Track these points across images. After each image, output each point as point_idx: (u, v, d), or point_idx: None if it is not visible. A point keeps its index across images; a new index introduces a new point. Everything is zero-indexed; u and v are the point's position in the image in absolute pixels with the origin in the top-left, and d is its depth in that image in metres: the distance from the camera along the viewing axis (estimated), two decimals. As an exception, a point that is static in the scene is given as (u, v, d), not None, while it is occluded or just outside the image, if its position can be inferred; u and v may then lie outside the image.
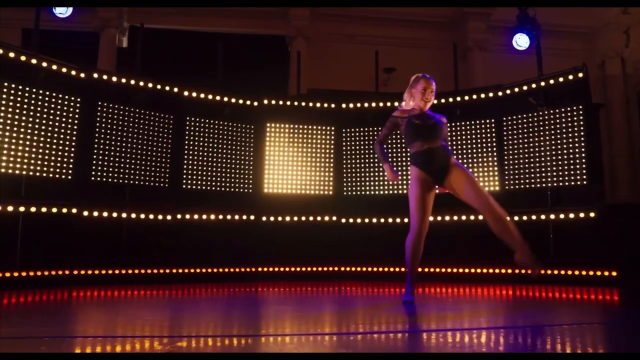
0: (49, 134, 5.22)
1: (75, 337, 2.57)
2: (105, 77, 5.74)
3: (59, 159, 5.28)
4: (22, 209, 4.91)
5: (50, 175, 5.21)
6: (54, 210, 5.15)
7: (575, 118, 5.67)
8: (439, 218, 6.09)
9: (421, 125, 3.79)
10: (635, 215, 8.82)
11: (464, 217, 6.01)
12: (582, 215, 5.45)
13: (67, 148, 5.34)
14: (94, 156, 5.53)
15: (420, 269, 6.01)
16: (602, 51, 9.90)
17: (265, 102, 6.53)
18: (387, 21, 8.94)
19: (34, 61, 5.17)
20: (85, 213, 5.37)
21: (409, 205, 3.83)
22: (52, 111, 5.26)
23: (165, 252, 5.76)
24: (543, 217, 5.66)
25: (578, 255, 5.41)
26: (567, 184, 5.65)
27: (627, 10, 9.75)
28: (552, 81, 5.83)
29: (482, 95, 6.28)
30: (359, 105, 6.68)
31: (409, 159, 4.08)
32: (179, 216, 5.89)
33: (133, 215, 5.64)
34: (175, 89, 6.12)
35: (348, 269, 6.31)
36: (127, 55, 8.13)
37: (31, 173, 5.06)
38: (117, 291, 4.78)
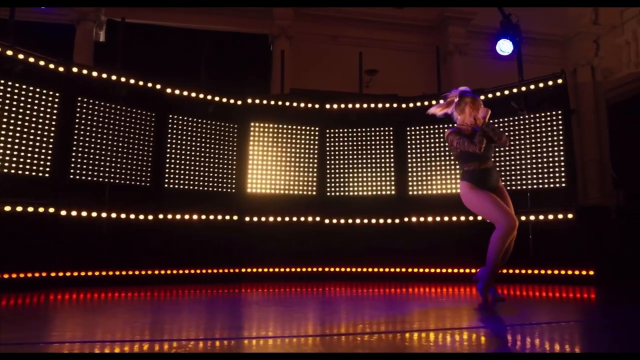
0: (25, 130, 5.01)
1: (51, 342, 2.46)
2: (85, 71, 5.56)
3: (36, 156, 5.08)
4: (-4, 207, 4.70)
5: (27, 172, 5.00)
6: (30, 209, 4.95)
7: (554, 123, 5.82)
8: (430, 219, 6.16)
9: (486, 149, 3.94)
10: (604, 216, 9.15)
11: (454, 219, 6.09)
12: (560, 216, 5.60)
13: (44, 145, 5.14)
14: (73, 154, 5.35)
15: (404, 269, 6.15)
16: (574, 59, 10.23)
17: (250, 101, 6.46)
18: (370, 23, 8.99)
19: (9, 53, 4.97)
20: (64, 213, 5.18)
21: (484, 215, 4.03)
22: (28, 106, 5.06)
23: (146, 253, 5.62)
24: (523, 218, 5.78)
25: (557, 255, 5.56)
26: (546, 186, 5.80)
27: (598, 21, 10.11)
28: (532, 86, 5.98)
29: (465, 99, 6.36)
30: (342, 106, 6.69)
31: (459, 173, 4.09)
32: (160, 216, 5.76)
33: (113, 215, 5.48)
34: (158, 86, 5.99)
35: (331, 269, 6.30)
36: (105, 50, 7.89)
37: (6, 170, 4.85)
38: (97, 294, 4.63)
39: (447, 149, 6.40)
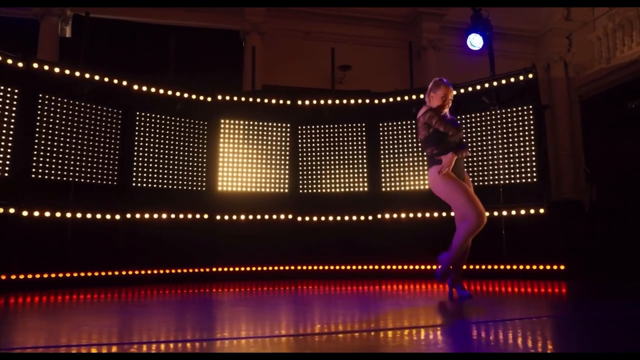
0: (-17, 128, 4.82)
1: (12, 348, 2.34)
2: (46, 67, 5.38)
3: (-6, 154, 4.89)
4: (-49, 208, 4.52)
5: (-16, 172, 4.82)
6: (-11, 210, 4.77)
7: (525, 118, 5.83)
8: (403, 215, 6.13)
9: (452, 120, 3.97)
10: (577, 211, 9.27)
11: (427, 215, 6.07)
12: (532, 211, 5.62)
13: (2, 143, 4.96)
14: (35, 152, 5.17)
15: (377, 266, 6.11)
16: (547, 55, 10.32)
17: (220, 97, 6.34)
18: (344, 19, 8.93)
19: (-36, 48, 4.77)
20: (25, 213, 5.01)
21: (453, 205, 3.89)
22: (-15, 103, 4.87)
23: (113, 253, 5.47)
24: (495, 213, 5.79)
25: (529, 250, 5.58)
26: (518, 181, 5.81)
27: (570, 17, 10.20)
28: (504, 81, 5.98)
29: (437, 94, 6.34)
30: (314, 102, 6.61)
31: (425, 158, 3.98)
32: (128, 215, 5.62)
33: (78, 215, 5.32)
34: (124, 82, 5.83)
35: (304, 267, 6.23)
36: (71, 46, 7.67)
37: (-38, 170, 4.66)
38: (61, 296, 4.48)
39: (420, 143, 6.35)
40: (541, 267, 5.47)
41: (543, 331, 2.62)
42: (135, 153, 5.81)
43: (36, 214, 5.09)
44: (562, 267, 5.36)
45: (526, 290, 4.63)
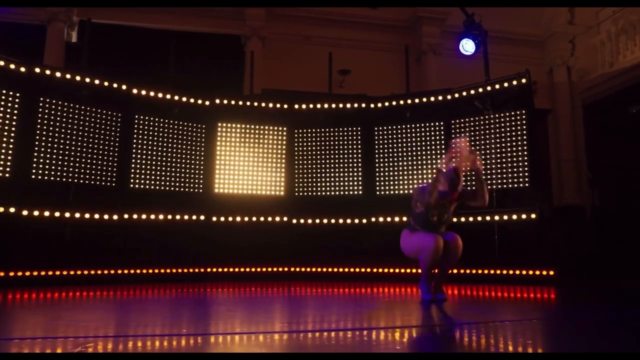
0: (-15, 130, 5.00)
1: (11, 338, 2.44)
2: (48, 72, 5.55)
3: (-4, 156, 5.06)
4: (-46, 208, 4.69)
5: (-14, 173, 4.99)
6: (-10, 209, 4.93)
7: (518, 122, 5.85)
8: (397, 219, 6.14)
9: (441, 214, 3.93)
10: (579, 216, 9.21)
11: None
12: (524, 216, 5.63)
13: (4, 145, 5.13)
14: (35, 154, 5.34)
15: (371, 269, 6.16)
16: (550, 59, 10.26)
17: (217, 101, 6.46)
18: (343, 23, 9.00)
19: (-32, 53, 4.95)
20: (25, 212, 5.17)
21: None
22: (-12, 106, 5.04)
23: (111, 252, 5.61)
24: (488, 218, 5.82)
25: (520, 256, 5.59)
26: (511, 186, 5.83)
27: (573, 21, 10.15)
28: (497, 86, 6.01)
29: (432, 99, 6.41)
30: (311, 106, 6.70)
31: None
32: (126, 216, 5.75)
33: (77, 215, 5.47)
34: (124, 87, 5.98)
35: (298, 269, 6.31)
36: (77, 51, 7.86)
37: (-35, 170, 4.83)
38: (59, 293, 4.62)
39: (413, 147, 6.39)
40: (531, 272, 5.47)
41: (530, 334, 2.66)
42: (134, 155, 5.95)
43: (36, 213, 5.24)
44: (551, 273, 5.37)
45: (515, 295, 4.65)
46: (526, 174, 5.75)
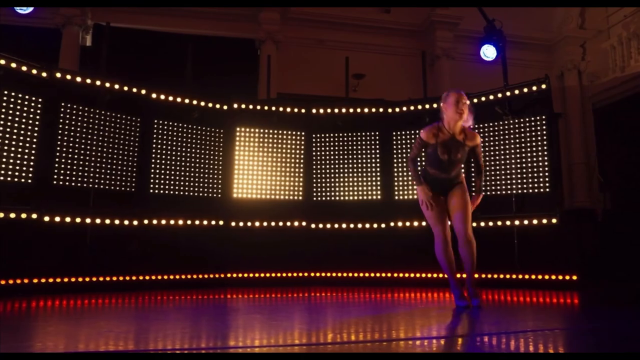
0: (7, 136, 4.98)
1: (33, 353, 2.43)
2: (68, 77, 5.54)
3: (18, 161, 5.05)
4: (-23, 214, 4.67)
5: (9, 178, 4.97)
6: (12, 215, 4.92)
7: (538, 127, 5.86)
8: (416, 224, 6.15)
9: (446, 161, 3.84)
10: (590, 220, 9.22)
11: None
12: (544, 221, 5.63)
13: (26, 150, 5.11)
14: (56, 159, 5.32)
15: (390, 274, 6.16)
16: (561, 63, 10.30)
17: (235, 106, 6.45)
18: (358, 27, 9.02)
19: (-9, 58, 4.93)
20: (47, 218, 5.15)
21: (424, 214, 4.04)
22: (10, 112, 5.02)
23: (131, 258, 5.59)
24: (508, 223, 5.82)
25: (541, 260, 5.60)
26: (530, 191, 5.83)
27: (584, 25, 10.19)
28: (517, 91, 6.02)
29: (450, 104, 6.39)
30: (329, 110, 6.70)
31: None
32: (145, 221, 5.74)
33: (97, 221, 5.45)
34: (143, 91, 5.97)
35: (317, 274, 6.30)
36: (91, 55, 7.86)
37: (-12, 176, 4.81)
38: (80, 300, 4.60)
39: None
40: (553, 277, 5.48)
41: (554, 343, 2.66)
42: (153, 160, 5.94)
43: (57, 219, 5.23)
44: (574, 278, 5.37)
45: (537, 300, 4.65)
46: (546, 179, 5.75)
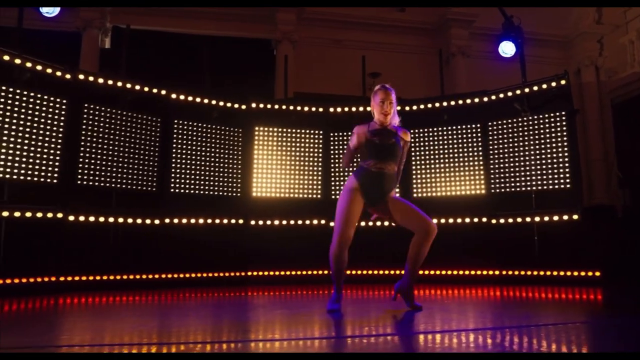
0: (33, 137, 5.08)
1: (60, 346, 2.50)
2: (91, 78, 5.63)
3: (44, 162, 5.14)
4: (5, 213, 4.77)
5: (35, 179, 5.07)
6: (39, 215, 5.01)
7: (558, 124, 5.83)
8: (434, 221, 6.10)
9: (379, 144, 3.56)
10: (610, 217, 9.14)
11: (459, 220, 6.12)
12: (565, 217, 5.61)
13: (52, 151, 5.21)
14: (80, 159, 5.41)
15: (401, 272, 6.14)
16: (578, 59, 10.23)
17: (254, 105, 6.51)
18: (373, 26, 9.04)
19: (17, 61, 5.04)
20: (71, 218, 5.24)
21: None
22: (36, 113, 5.12)
23: (152, 257, 5.67)
24: (528, 219, 5.80)
25: (562, 257, 5.57)
26: (550, 187, 5.80)
27: (601, 20, 10.10)
28: (535, 87, 5.99)
29: (468, 101, 6.40)
30: (346, 109, 6.73)
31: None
32: (166, 220, 5.81)
33: (120, 220, 5.54)
34: (163, 92, 6.04)
35: (337, 272, 6.30)
36: (110, 57, 7.98)
37: (14, 177, 4.91)
38: (105, 298, 4.68)
39: (450, 149, 6.40)
40: (575, 273, 5.44)
41: (579, 336, 2.66)
42: (173, 160, 6.01)
43: (81, 218, 5.32)
44: (597, 274, 5.34)
45: (559, 296, 4.62)
46: (567, 175, 5.72)
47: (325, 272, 6.31)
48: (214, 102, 6.31)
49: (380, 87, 3.70)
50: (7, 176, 4.85)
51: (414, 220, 3.61)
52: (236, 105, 6.45)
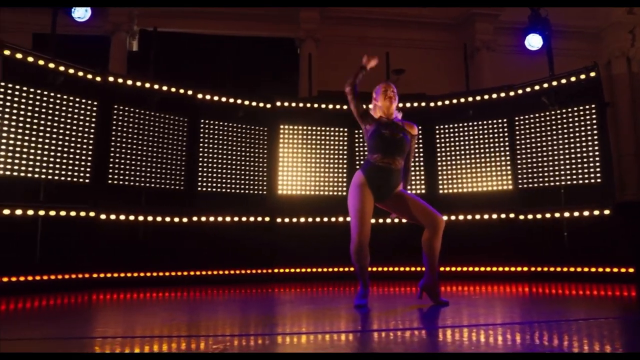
0: (67, 138, 5.24)
1: (94, 337, 2.60)
2: (120, 80, 5.78)
3: (77, 162, 5.31)
4: (41, 212, 4.94)
5: (69, 179, 5.23)
6: (73, 213, 5.17)
7: (587, 117, 5.71)
8: (461, 217, 6.11)
9: (388, 137, 3.62)
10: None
11: (486, 217, 6.06)
12: (596, 213, 5.49)
13: (84, 152, 5.37)
14: (110, 159, 5.56)
15: (442, 268, 6.11)
16: (609, 51, 9.97)
17: (278, 104, 6.57)
18: (396, 23, 9.00)
19: (51, 65, 5.21)
20: (103, 216, 5.39)
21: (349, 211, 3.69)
22: (69, 115, 5.29)
23: (181, 254, 5.79)
24: (557, 215, 5.70)
25: (593, 253, 5.45)
26: (580, 182, 5.69)
27: (633, 10, 9.81)
28: (564, 80, 5.88)
29: (494, 95, 6.32)
30: (370, 106, 6.69)
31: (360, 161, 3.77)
32: (194, 218, 5.92)
33: (149, 218, 5.67)
34: (190, 92, 6.15)
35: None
36: (137, 59, 8.17)
37: (49, 177, 5.08)
38: (135, 294, 4.80)
39: (477, 144, 6.33)
40: (607, 269, 5.33)
41: (612, 333, 2.61)
42: (200, 159, 6.12)
43: (112, 217, 5.46)
44: (630, 270, 5.21)
45: (591, 292, 4.53)
46: (597, 169, 5.60)
47: (352, 269, 6.32)
48: (239, 101, 6.39)
49: (380, 83, 3.90)
50: (43, 177, 5.03)
51: (423, 215, 3.62)
52: (261, 104, 6.52)
